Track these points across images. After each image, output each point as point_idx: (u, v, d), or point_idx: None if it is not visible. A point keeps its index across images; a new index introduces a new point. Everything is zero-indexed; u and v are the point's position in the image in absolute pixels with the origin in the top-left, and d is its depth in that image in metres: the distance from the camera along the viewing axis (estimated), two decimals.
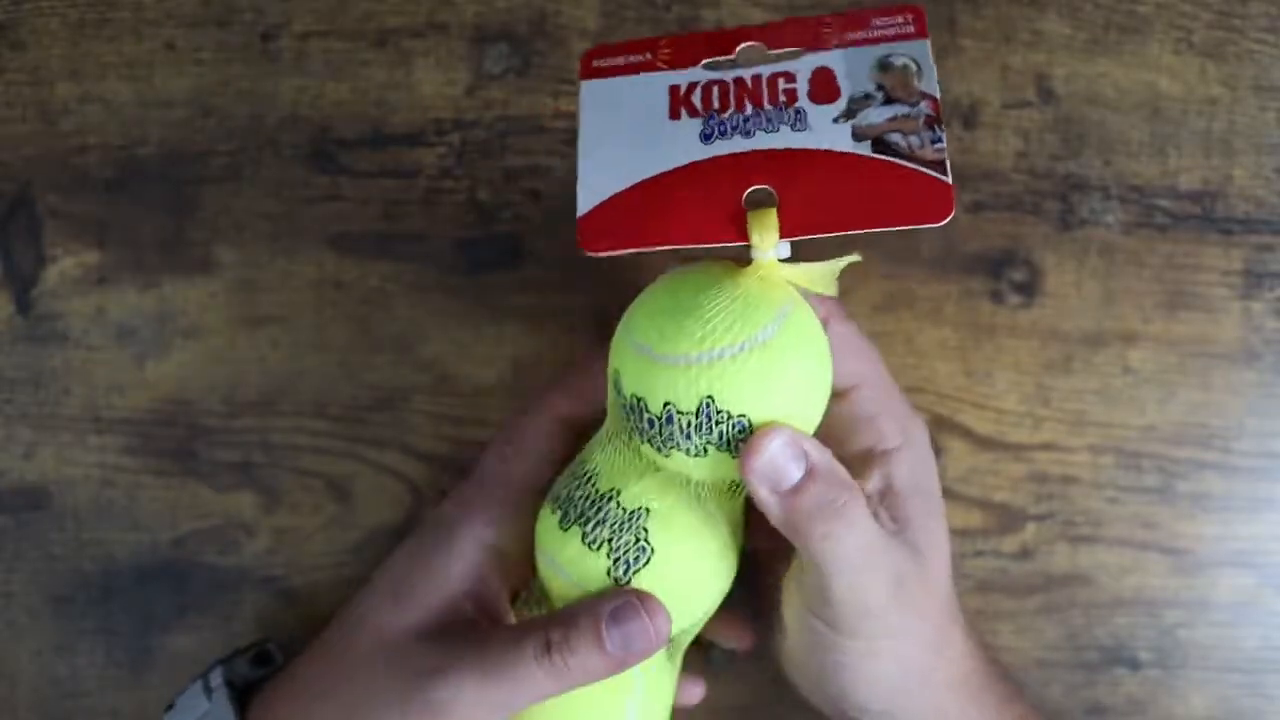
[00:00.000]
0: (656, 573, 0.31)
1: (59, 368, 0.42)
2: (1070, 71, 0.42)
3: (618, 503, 0.32)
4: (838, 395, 0.33)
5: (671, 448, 0.30)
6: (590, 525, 0.32)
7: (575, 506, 0.32)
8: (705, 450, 0.30)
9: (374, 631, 0.34)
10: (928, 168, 0.29)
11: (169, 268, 0.42)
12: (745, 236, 0.29)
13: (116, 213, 0.42)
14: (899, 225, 0.28)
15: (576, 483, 0.33)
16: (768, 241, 0.29)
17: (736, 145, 0.31)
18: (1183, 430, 0.42)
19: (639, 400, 0.30)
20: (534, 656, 0.31)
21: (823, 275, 0.31)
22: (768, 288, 0.30)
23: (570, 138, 0.42)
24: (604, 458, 0.33)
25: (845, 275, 0.42)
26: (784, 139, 0.30)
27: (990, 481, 0.42)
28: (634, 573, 0.31)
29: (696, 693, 0.40)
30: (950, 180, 0.29)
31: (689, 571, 0.32)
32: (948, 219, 0.28)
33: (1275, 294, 0.42)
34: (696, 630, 0.35)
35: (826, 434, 0.33)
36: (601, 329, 0.42)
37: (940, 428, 0.42)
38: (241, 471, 0.42)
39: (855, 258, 0.31)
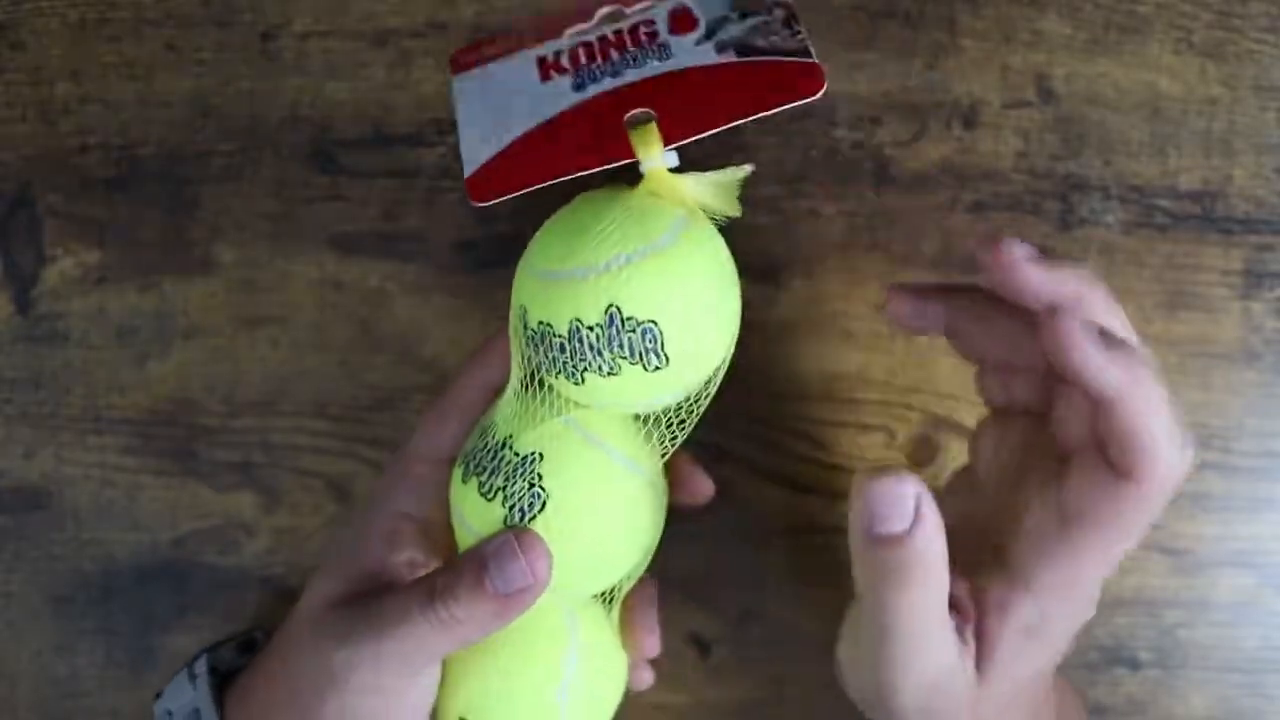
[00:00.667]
0: (554, 518, 0.31)
1: (59, 368, 0.42)
2: (1070, 71, 0.42)
3: (512, 449, 0.31)
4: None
5: (584, 369, 0.29)
6: (486, 475, 0.31)
7: (475, 459, 0.32)
8: (618, 366, 0.29)
9: (304, 609, 0.34)
10: (792, 55, 0.30)
11: (169, 268, 0.42)
12: (630, 153, 0.30)
13: (116, 213, 0.42)
14: (774, 107, 0.29)
15: (479, 436, 0.33)
16: (652, 152, 0.30)
17: (608, 85, 0.32)
18: None
19: (546, 326, 0.29)
20: (419, 609, 0.30)
21: (718, 186, 0.31)
22: (660, 201, 0.30)
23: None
24: (502, 409, 0.33)
25: (847, 275, 0.42)
26: (652, 70, 0.32)
27: None
28: (529, 519, 0.31)
29: (648, 665, 0.38)
30: (815, 59, 0.30)
31: (590, 517, 0.31)
32: (820, 92, 0.29)
33: (1275, 294, 0.42)
34: (622, 580, 0.34)
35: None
36: None
37: (940, 427, 0.42)
38: (241, 471, 0.42)
39: (748, 167, 0.31)
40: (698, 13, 0.33)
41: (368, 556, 0.34)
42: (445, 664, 0.33)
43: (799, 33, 0.31)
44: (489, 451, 0.32)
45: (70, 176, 0.42)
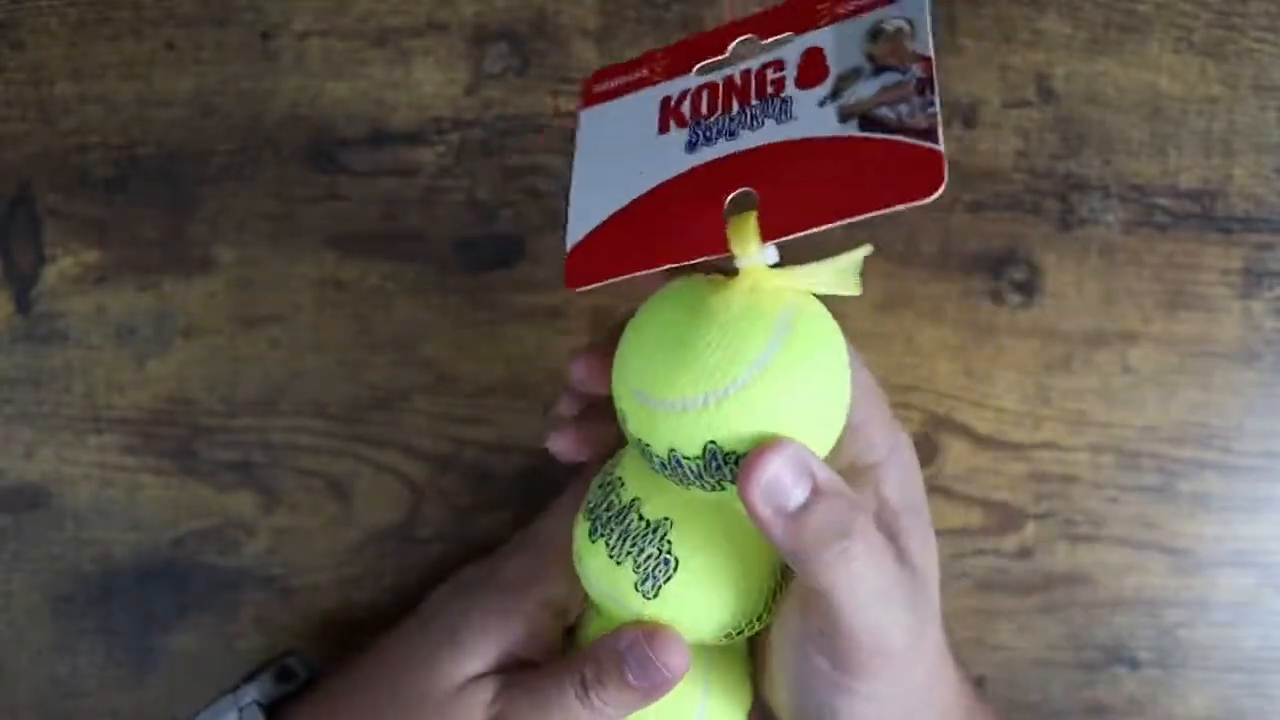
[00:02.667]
0: (683, 583, 0.31)
1: (59, 367, 0.42)
2: (1070, 71, 0.42)
3: (639, 514, 0.31)
4: None
5: (686, 485, 0.29)
6: (615, 538, 0.31)
7: (601, 518, 0.31)
8: (720, 486, 0.28)
9: (433, 677, 0.34)
10: (917, 138, 0.26)
11: (169, 267, 0.42)
12: (725, 247, 0.27)
13: (116, 212, 0.42)
14: (884, 208, 0.25)
15: (603, 492, 0.32)
16: (748, 248, 0.27)
17: (720, 150, 0.28)
18: (1183, 430, 0.42)
19: (645, 444, 0.28)
20: (576, 696, 0.32)
21: (834, 275, 0.28)
22: (759, 300, 0.28)
23: (569, 135, 0.42)
24: (628, 465, 0.32)
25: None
26: (767, 134, 0.28)
27: (990, 481, 0.42)
28: (659, 586, 0.30)
29: None
30: (941, 147, 0.26)
31: (718, 577, 0.31)
32: (937, 193, 0.25)
33: (1275, 293, 0.42)
34: (753, 624, 0.33)
35: None
36: (601, 329, 0.42)
37: (940, 427, 0.42)
38: (241, 471, 0.42)
39: (866, 249, 0.28)
40: (831, 60, 0.28)
41: (512, 644, 0.34)
42: None
43: (931, 104, 0.27)
44: (617, 513, 0.31)
45: (70, 176, 0.42)
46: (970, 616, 0.43)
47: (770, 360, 0.27)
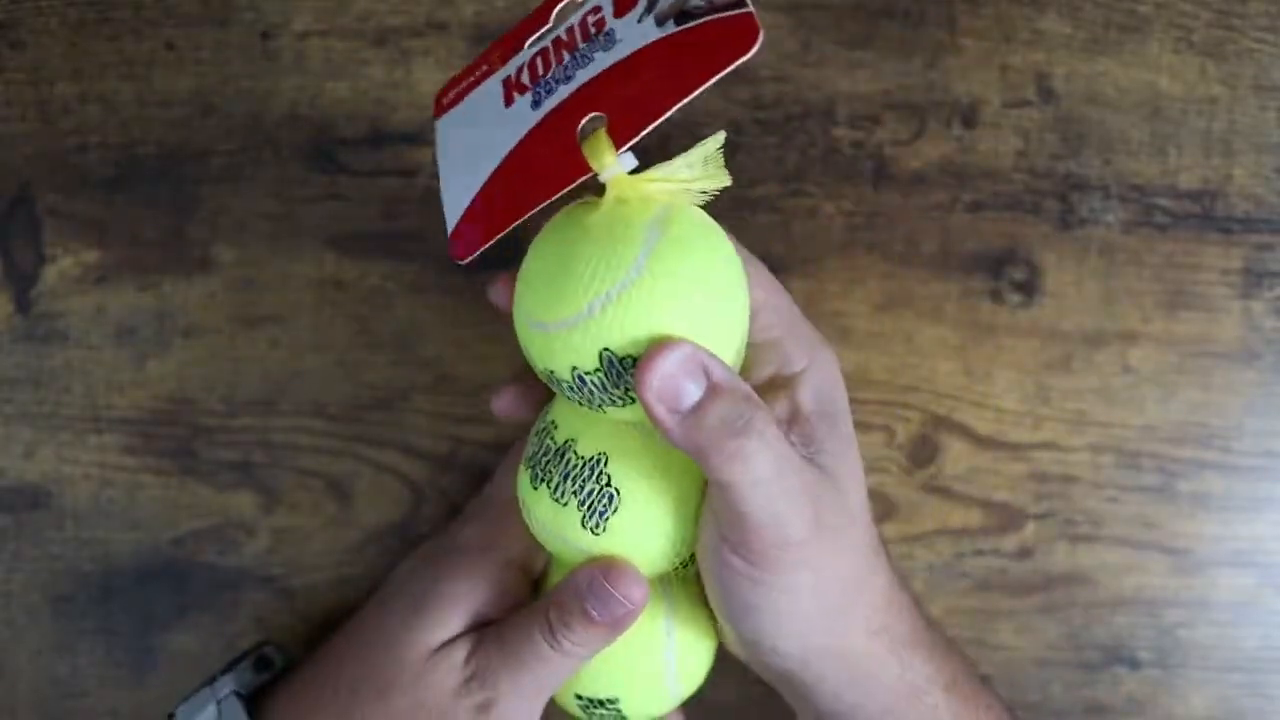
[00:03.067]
0: (628, 513, 0.31)
1: (59, 367, 0.42)
2: (1070, 71, 0.42)
3: (575, 453, 0.31)
4: None
5: (600, 404, 0.29)
6: (555, 481, 0.32)
7: (539, 464, 0.32)
8: (630, 398, 0.29)
9: (403, 649, 0.35)
10: (726, 10, 0.28)
11: (169, 267, 0.42)
12: (586, 168, 0.28)
13: (116, 212, 0.42)
14: (713, 76, 0.27)
15: (539, 439, 0.33)
16: (603, 160, 0.28)
17: (562, 94, 0.30)
18: (1183, 430, 0.42)
19: (551, 373, 0.29)
20: (544, 642, 0.32)
21: (695, 168, 0.29)
22: (628, 208, 0.29)
23: None
24: (558, 407, 0.33)
25: (847, 275, 0.42)
26: (599, 64, 0.30)
27: (990, 481, 0.42)
28: (605, 520, 0.31)
29: None
30: (750, 8, 0.27)
31: (661, 504, 0.31)
32: (756, 43, 0.27)
33: (1275, 293, 0.42)
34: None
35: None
36: None
37: (940, 427, 0.42)
38: (241, 471, 0.42)
39: (719, 136, 0.29)
40: None
41: (475, 608, 0.35)
42: None
43: None
44: (554, 456, 0.32)
45: (70, 176, 0.42)
46: (970, 616, 0.43)
47: (646, 261, 0.28)
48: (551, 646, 0.32)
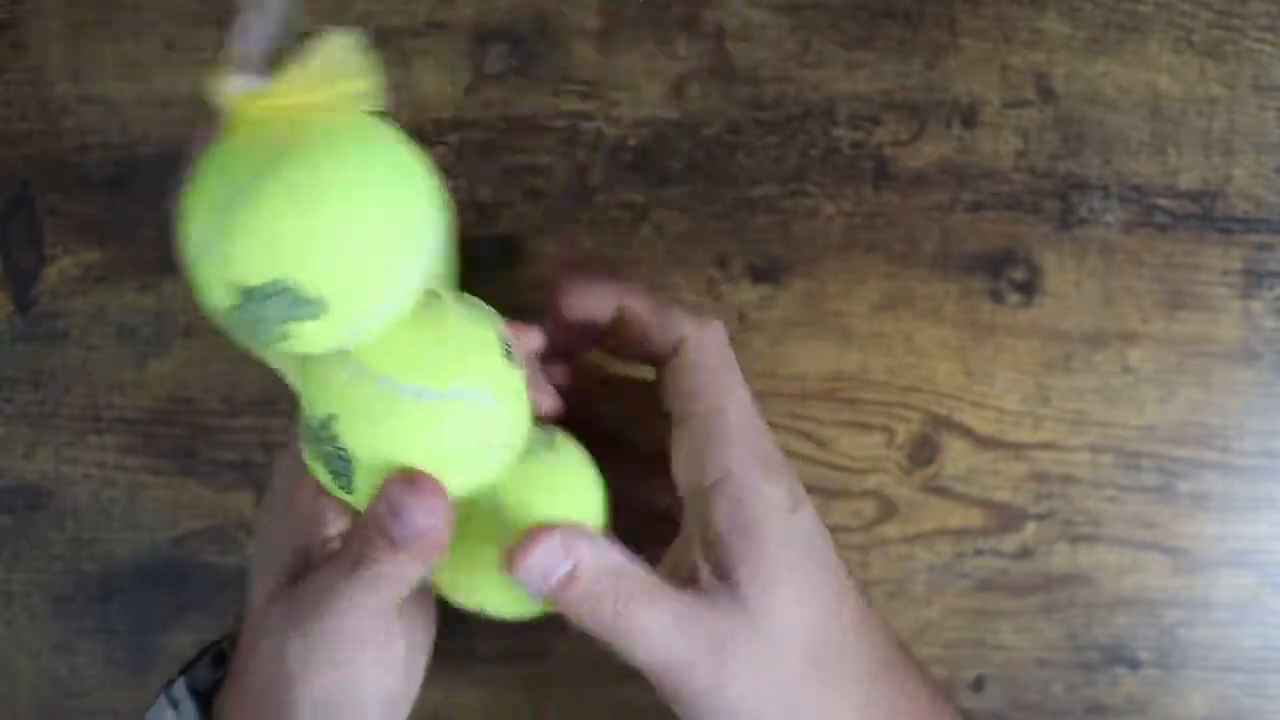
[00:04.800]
0: (368, 472, 0.29)
1: (58, 367, 0.42)
2: (1070, 71, 0.42)
3: (311, 416, 0.30)
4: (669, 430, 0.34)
5: (266, 340, 0.27)
6: (310, 448, 0.30)
7: (303, 434, 0.31)
8: (286, 329, 0.26)
9: (249, 613, 0.34)
10: None
11: (169, 267, 0.42)
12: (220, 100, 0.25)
13: (116, 212, 0.42)
14: None
15: (300, 410, 0.31)
16: (219, 84, 0.25)
17: None
18: (1182, 430, 0.42)
19: (214, 317, 0.27)
20: (347, 582, 0.30)
21: (330, 72, 0.26)
22: (245, 135, 0.26)
23: (570, 137, 0.42)
24: (298, 373, 0.31)
25: (847, 275, 0.42)
26: None
27: (990, 481, 0.42)
28: (352, 481, 0.30)
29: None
30: None
31: (390, 461, 0.30)
32: None
33: (1275, 293, 0.42)
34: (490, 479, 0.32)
35: (648, 467, 0.34)
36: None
37: (940, 427, 0.42)
38: (241, 470, 0.42)
39: (343, 35, 0.26)
40: None
41: (296, 542, 0.34)
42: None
43: None
44: (303, 424, 0.31)
45: (70, 176, 0.42)
46: (970, 616, 0.43)
47: (259, 188, 0.25)
48: (352, 583, 0.30)
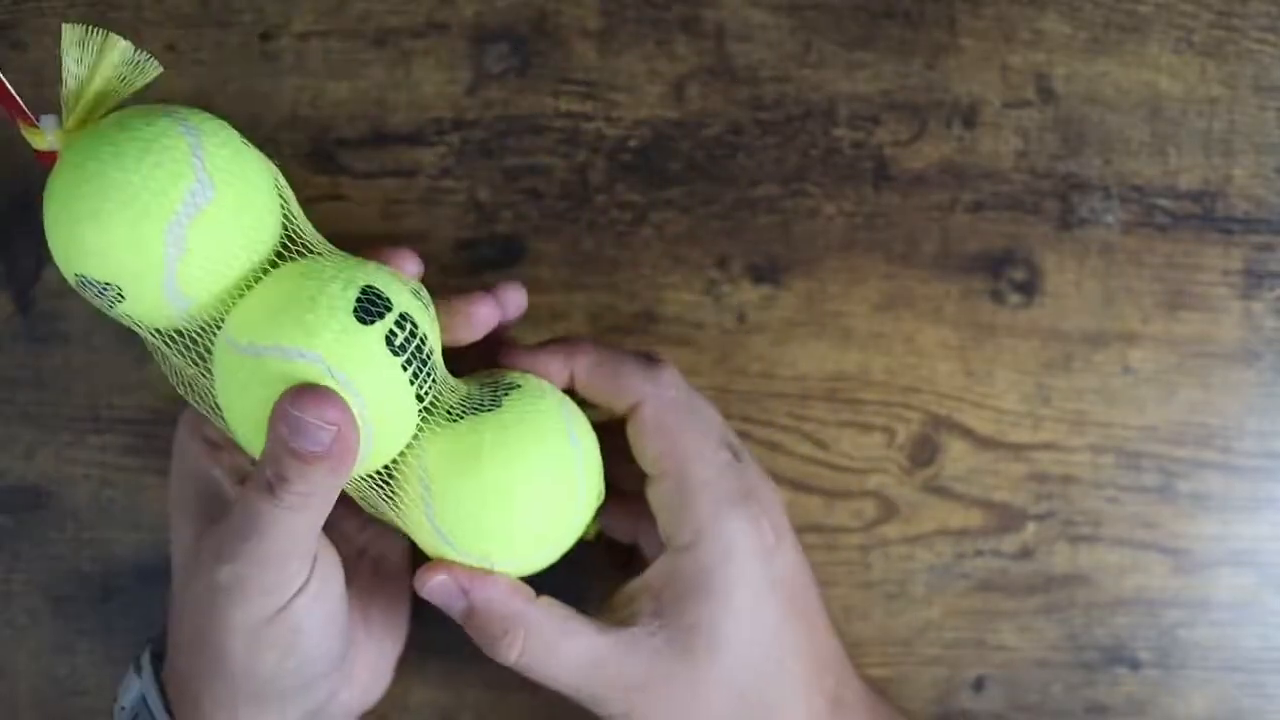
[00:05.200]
0: (239, 422, 0.31)
1: (59, 367, 0.42)
2: (1070, 71, 0.42)
3: (188, 387, 0.33)
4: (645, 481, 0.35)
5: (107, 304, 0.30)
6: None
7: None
8: (113, 304, 0.30)
9: (175, 564, 0.35)
10: None
11: None
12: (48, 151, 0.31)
13: None
14: None
15: None
16: (37, 137, 0.31)
17: None
18: (1183, 430, 0.42)
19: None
20: (269, 506, 0.30)
21: (107, 73, 0.31)
22: (60, 166, 0.30)
23: (570, 137, 0.42)
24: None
25: (847, 275, 0.42)
26: None
27: (990, 481, 0.42)
28: (231, 429, 0.31)
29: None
30: None
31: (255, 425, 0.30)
32: None
33: (1275, 293, 0.42)
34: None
35: (630, 503, 0.36)
36: (601, 329, 0.42)
37: (940, 427, 0.42)
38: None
39: (121, 42, 0.31)
40: None
41: (207, 489, 0.34)
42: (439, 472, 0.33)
43: None
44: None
45: None
46: (970, 617, 0.43)
47: (55, 187, 0.31)
48: (274, 507, 0.30)
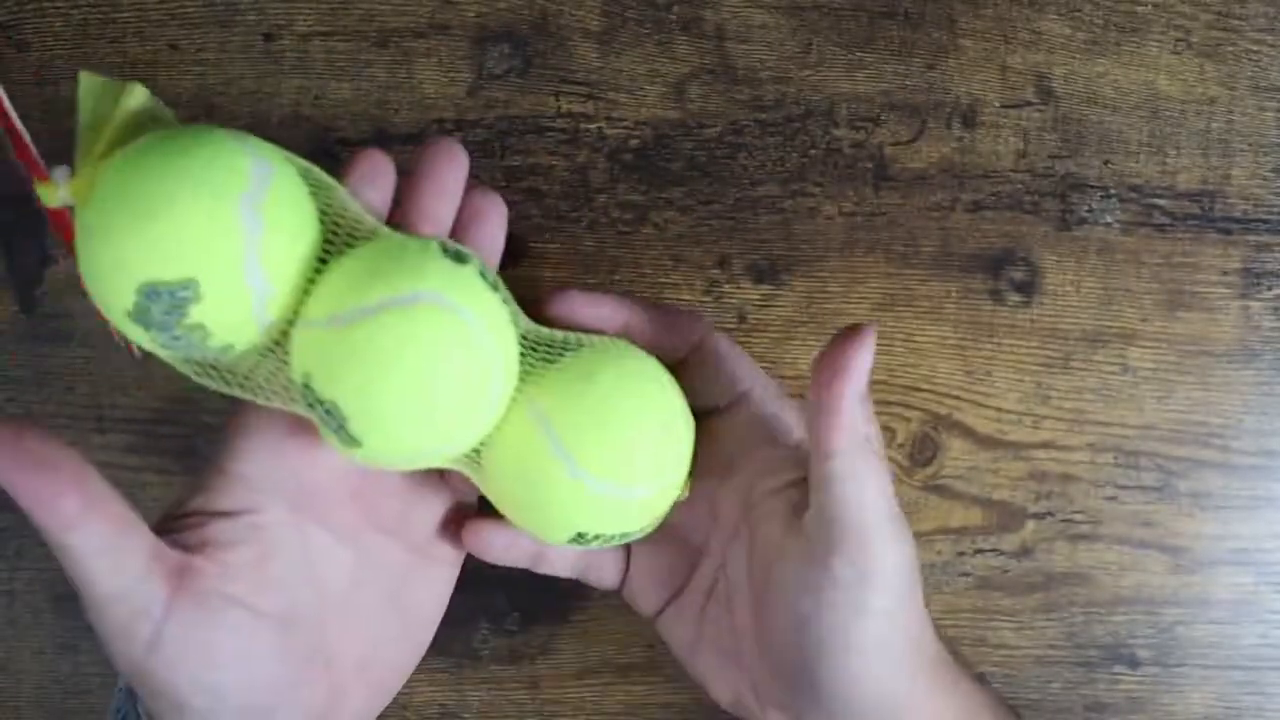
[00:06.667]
0: (362, 420, 0.29)
1: (62, 367, 0.42)
2: (1069, 71, 0.42)
3: (293, 384, 0.31)
4: (725, 409, 0.35)
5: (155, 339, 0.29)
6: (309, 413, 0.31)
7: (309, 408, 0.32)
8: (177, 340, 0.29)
9: None
10: None
11: None
12: (63, 207, 0.28)
13: None
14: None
15: (293, 396, 0.32)
16: (51, 193, 0.28)
17: None
18: (1181, 429, 0.42)
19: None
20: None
21: (126, 125, 0.29)
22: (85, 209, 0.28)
23: (571, 137, 0.42)
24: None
25: (847, 275, 0.42)
26: None
27: (990, 480, 0.43)
28: (346, 431, 0.30)
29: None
30: None
31: (388, 396, 0.29)
32: None
33: (1273, 293, 0.42)
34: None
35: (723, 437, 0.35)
36: None
37: (940, 426, 0.42)
38: None
39: (136, 87, 0.30)
40: None
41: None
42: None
43: None
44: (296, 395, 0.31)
45: None
46: (970, 615, 0.43)
47: (100, 208, 0.27)
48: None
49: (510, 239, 0.42)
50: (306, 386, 0.29)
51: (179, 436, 0.42)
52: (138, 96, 0.30)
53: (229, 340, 0.29)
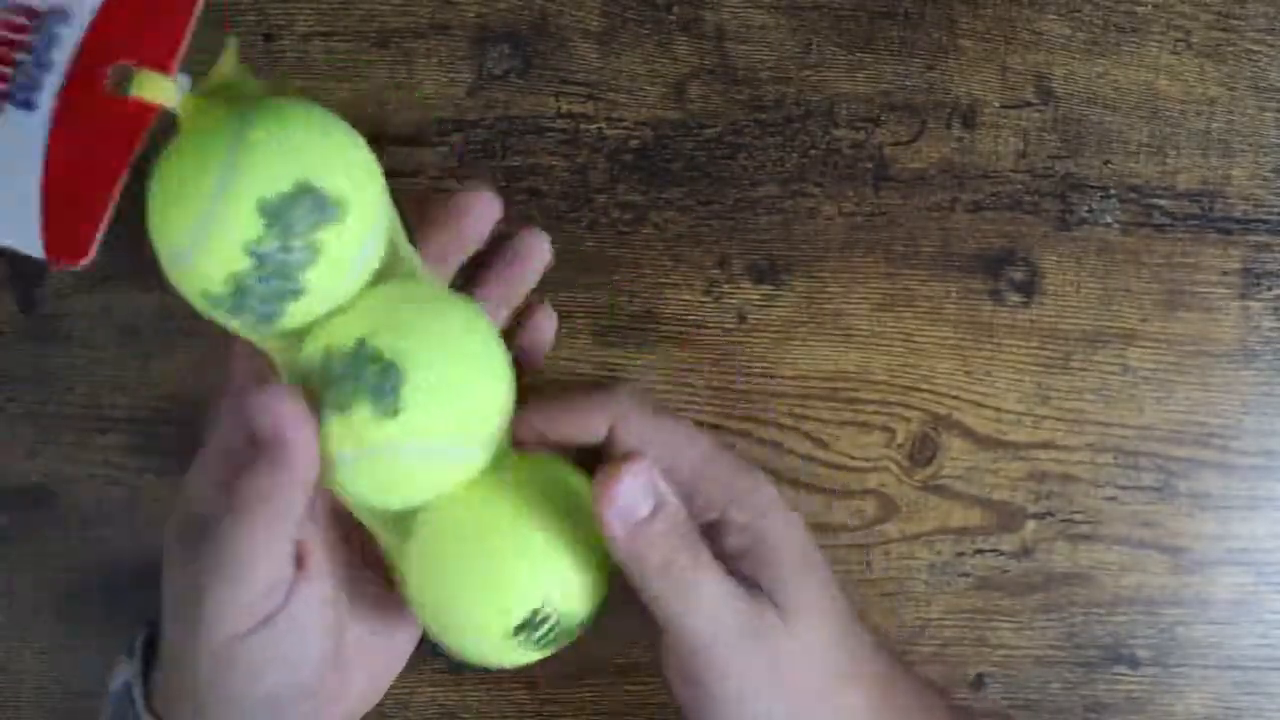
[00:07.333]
0: (419, 379, 0.30)
1: (62, 367, 0.42)
2: (1069, 71, 0.42)
3: (340, 347, 0.32)
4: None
5: (257, 319, 0.30)
6: (332, 393, 0.31)
7: (314, 383, 0.33)
8: (267, 320, 0.30)
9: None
10: None
11: None
12: (149, 109, 0.28)
13: (119, 212, 0.42)
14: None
15: (292, 365, 0.33)
16: (157, 90, 0.28)
17: (54, 79, 0.29)
18: (1181, 429, 0.42)
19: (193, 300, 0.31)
20: (228, 511, 0.30)
21: (227, 69, 0.31)
22: (197, 127, 0.29)
23: (571, 137, 0.42)
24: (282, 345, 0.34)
25: (847, 275, 0.42)
26: (69, 34, 0.28)
27: (989, 480, 0.43)
28: (397, 394, 0.30)
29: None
30: None
31: (449, 357, 0.31)
32: None
33: (1273, 293, 0.42)
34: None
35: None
36: (602, 328, 0.42)
37: (940, 426, 0.42)
38: None
39: (230, 43, 0.31)
40: None
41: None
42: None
43: None
44: (325, 363, 0.30)
45: None
46: (970, 616, 0.43)
47: (225, 180, 0.28)
48: (229, 512, 0.30)
49: (508, 239, 0.42)
50: (360, 347, 0.29)
51: (180, 437, 0.42)
52: (230, 61, 0.31)
53: (320, 283, 0.29)
